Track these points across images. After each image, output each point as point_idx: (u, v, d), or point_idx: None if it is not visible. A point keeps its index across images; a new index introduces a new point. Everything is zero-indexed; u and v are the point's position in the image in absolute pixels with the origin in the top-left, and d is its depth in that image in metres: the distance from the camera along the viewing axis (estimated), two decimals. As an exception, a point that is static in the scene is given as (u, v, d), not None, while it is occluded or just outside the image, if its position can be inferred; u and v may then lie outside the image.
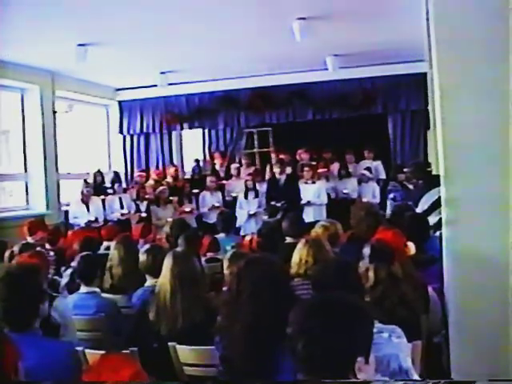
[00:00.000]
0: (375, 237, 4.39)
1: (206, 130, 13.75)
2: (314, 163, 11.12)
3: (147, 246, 4.95)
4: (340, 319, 2.01)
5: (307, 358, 1.98)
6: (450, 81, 3.83)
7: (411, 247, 4.67)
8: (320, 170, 10.96)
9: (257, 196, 10.54)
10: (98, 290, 4.75)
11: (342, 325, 1.99)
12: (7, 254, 5.82)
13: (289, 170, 10.88)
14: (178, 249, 4.73)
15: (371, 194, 10.89)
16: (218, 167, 12.49)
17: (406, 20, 7.43)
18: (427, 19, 5.07)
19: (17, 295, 2.90)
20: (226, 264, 4.69)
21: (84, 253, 5.12)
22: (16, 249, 5.77)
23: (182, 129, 13.13)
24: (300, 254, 4.52)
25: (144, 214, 10.61)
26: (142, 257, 4.75)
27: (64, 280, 5.40)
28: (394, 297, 3.49)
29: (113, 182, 11.08)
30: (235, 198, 10.86)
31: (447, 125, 3.86)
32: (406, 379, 2.55)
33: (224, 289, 4.26)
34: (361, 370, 1.96)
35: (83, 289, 4.68)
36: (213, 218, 9.70)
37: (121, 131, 13.16)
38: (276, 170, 10.90)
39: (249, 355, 2.80)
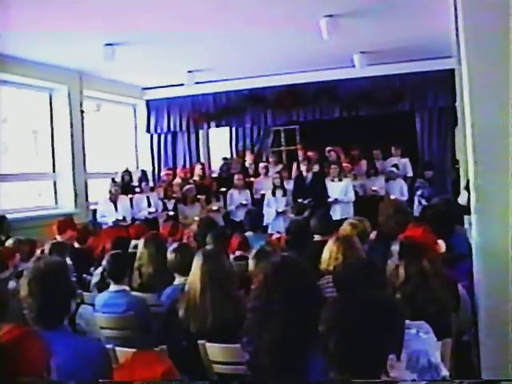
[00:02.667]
0: (405, 234, 4.37)
1: (233, 129, 13.76)
2: (341, 160, 11.16)
3: (175, 245, 4.95)
4: (372, 317, 2.03)
5: (339, 356, 1.99)
6: (480, 76, 3.81)
7: (441, 245, 4.64)
8: (344, 165, 10.99)
9: (285, 194, 10.57)
10: (127, 288, 4.76)
11: (374, 322, 2.01)
12: (38, 252, 5.91)
13: (316, 167, 10.88)
14: (208, 247, 4.72)
15: (399, 191, 10.86)
16: (247, 164, 12.52)
17: (433, 16, 7.43)
18: (455, 15, 5.03)
19: (49, 292, 2.94)
20: (251, 262, 4.69)
21: (113, 251, 5.16)
22: (47, 247, 5.85)
23: (209, 127, 13.21)
24: (330, 250, 4.53)
25: (171, 213, 10.68)
26: (171, 256, 4.76)
27: (94, 279, 5.48)
28: (425, 294, 3.45)
29: (140, 181, 11.16)
30: (263, 196, 10.89)
31: (477, 121, 3.84)
32: (431, 379, 2.53)
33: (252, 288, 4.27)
34: (393, 367, 1.98)
35: (113, 287, 4.69)
36: (240, 216, 9.75)
37: (148, 130, 13.26)
38: (303, 167, 10.91)
39: (277, 365, 2.79)
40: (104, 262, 4.95)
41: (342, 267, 3.79)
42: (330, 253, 4.52)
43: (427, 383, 2.48)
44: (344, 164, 11.02)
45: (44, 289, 2.94)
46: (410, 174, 11.54)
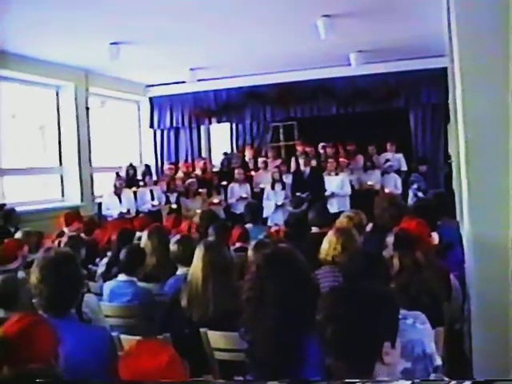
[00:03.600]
0: (399, 226, 4.49)
1: (234, 124, 13.92)
2: (338, 155, 11.28)
3: (178, 237, 5.04)
4: (367, 306, 2.09)
5: (336, 344, 2.07)
6: (471, 74, 3.90)
7: (435, 237, 4.77)
8: (341, 159, 11.10)
9: (284, 188, 10.66)
10: (135, 278, 4.84)
11: (369, 311, 2.07)
12: (56, 244, 6.04)
13: (314, 162, 11.02)
14: (209, 239, 4.83)
15: (393, 185, 10.97)
16: (247, 159, 12.59)
17: (426, 16, 7.53)
18: (448, 15, 5.13)
19: (59, 280, 3.03)
20: (250, 253, 4.76)
21: (132, 244, 5.25)
22: (64, 240, 6.00)
23: (210, 123, 13.32)
24: (329, 241, 4.60)
25: (174, 206, 10.78)
26: (173, 247, 4.86)
27: (100, 269, 5.60)
28: (418, 284, 3.55)
29: (144, 175, 11.27)
30: (263, 190, 10.98)
31: (468, 117, 3.94)
32: (423, 379, 2.61)
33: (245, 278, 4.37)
34: (387, 354, 2.07)
35: (122, 277, 4.77)
36: (240, 209, 9.89)
37: (151, 126, 13.39)
38: (301, 162, 11.03)
39: (273, 350, 2.83)
40: (109, 253, 5.03)
41: (348, 258, 3.84)
42: (329, 243, 4.58)
43: (419, 382, 2.51)
44: (341, 159, 11.12)
45: (55, 276, 3.03)
46: (404, 168, 11.67)
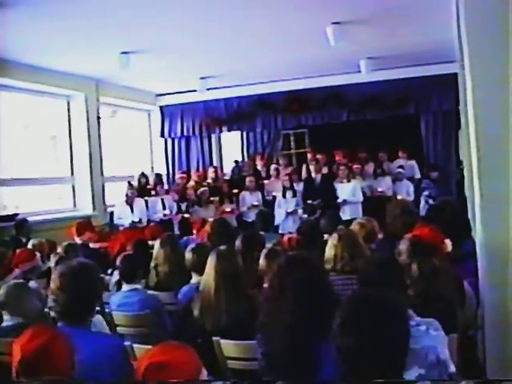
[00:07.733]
0: (413, 233, 4.46)
1: (245, 133, 13.94)
2: (349, 164, 11.24)
3: (193, 245, 5.02)
4: (378, 315, 2.07)
5: (349, 352, 2.06)
6: (482, 80, 3.89)
7: (448, 244, 4.73)
8: (354, 166, 11.09)
9: (295, 195, 10.62)
10: (139, 286, 4.86)
11: (380, 320, 2.06)
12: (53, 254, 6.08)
13: (325, 169, 11.02)
14: (222, 247, 4.82)
15: (405, 191, 10.95)
16: (259, 168, 12.60)
17: (436, 22, 7.54)
18: (458, 21, 5.13)
19: (76, 290, 3.07)
20: (262, 261, 4.68)
21: (125, 253, 5.25)
22: (60, 249, 6.01)
23: (221, 132, 13.38)
24: (335, 249, 4.56)
25: (186, 215, 10.77)
26: (188, 255, 4.85)
27: (114, 278, 5.56)
28: (435, 291, 3.53)
29: (155, 184, 11.29)
30: (275, 198, 10.95)
31: (480, 123, 3.91)
32: (435, 379, 2.59)
33: (265, 285, 4.37)
34: None
35: (125, 287, 4.83)
36: (252, 217, 9.86)
37: (162, 135, 13.45)
38: (312, 169, 11.02)
39: (289, 352, 2.82)
40: (117, 263, 5.05)
41: (364, 265, 3.83)
42: (334, 252, 4.55)
43: (432, 383, 2.51)
44: (354, 166, 11.13)
45: (73, 285, 3.07)
46: (418, 175, 11.66)
